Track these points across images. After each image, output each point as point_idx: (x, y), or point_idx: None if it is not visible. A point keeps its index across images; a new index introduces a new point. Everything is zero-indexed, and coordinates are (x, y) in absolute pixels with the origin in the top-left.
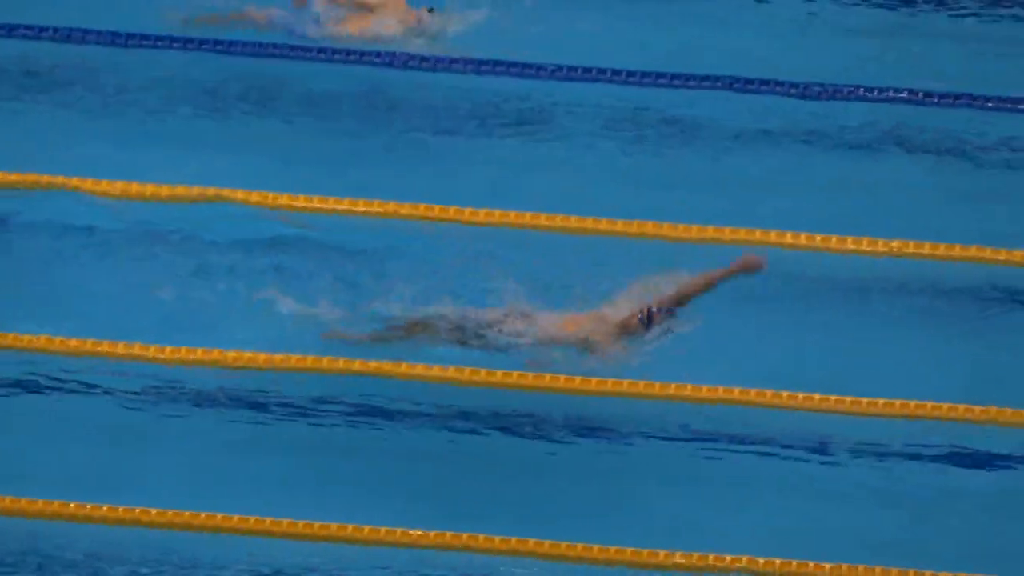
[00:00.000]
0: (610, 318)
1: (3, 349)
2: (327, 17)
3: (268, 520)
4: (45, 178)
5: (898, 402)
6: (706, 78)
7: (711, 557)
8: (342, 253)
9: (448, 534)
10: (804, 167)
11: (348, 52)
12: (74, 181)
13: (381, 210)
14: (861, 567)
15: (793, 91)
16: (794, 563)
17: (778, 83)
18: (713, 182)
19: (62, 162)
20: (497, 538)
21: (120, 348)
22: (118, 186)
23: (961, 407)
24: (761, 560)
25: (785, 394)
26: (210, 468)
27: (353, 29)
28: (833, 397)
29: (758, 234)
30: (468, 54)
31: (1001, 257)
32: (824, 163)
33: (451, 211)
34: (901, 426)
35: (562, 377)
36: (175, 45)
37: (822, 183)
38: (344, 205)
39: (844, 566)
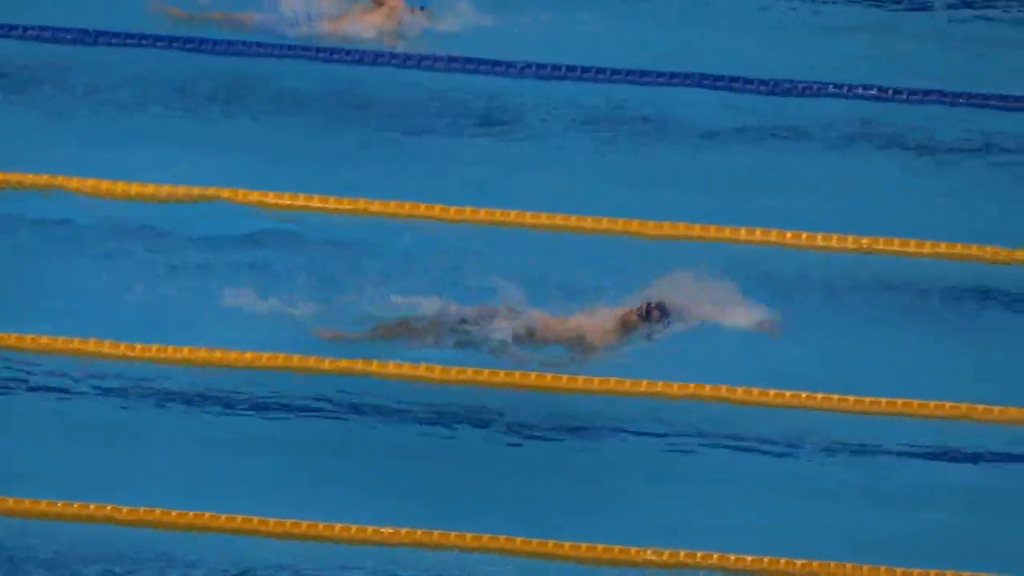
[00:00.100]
0: (600, 317)
1: None
2: (311, 16)
3: (239, 518)
4: (15, 176)
5: (884, 400)
6: (675, 75)
7: (699, 555)
8: (322, 250)
9: (419, 531)
10: (781, 164)
11: (319, 50)
12: (44, 179)
13: (365, 207)
14: (849, 565)
15: (763, 88)
16: (782, 561)
17: (748, 80)
18: (689, 179)
19: (34, 161)
20: (469, 535)
21: (91, 346)
22: (89, 184)
23: (947, 404)
24: (749, 558)
25: (771, 392)
26: (183, 467)
27: (332, 28)
28: (819, 395)
29: (743, 232)
30: (445, 53)
31: (971, 253)
32: (799, 160)
33: (436, 209)
34: (888, 423)
35: (549, 376)
36: (144, 43)
37: (799, 180)
38: (330, 203)
39: (832, 564)
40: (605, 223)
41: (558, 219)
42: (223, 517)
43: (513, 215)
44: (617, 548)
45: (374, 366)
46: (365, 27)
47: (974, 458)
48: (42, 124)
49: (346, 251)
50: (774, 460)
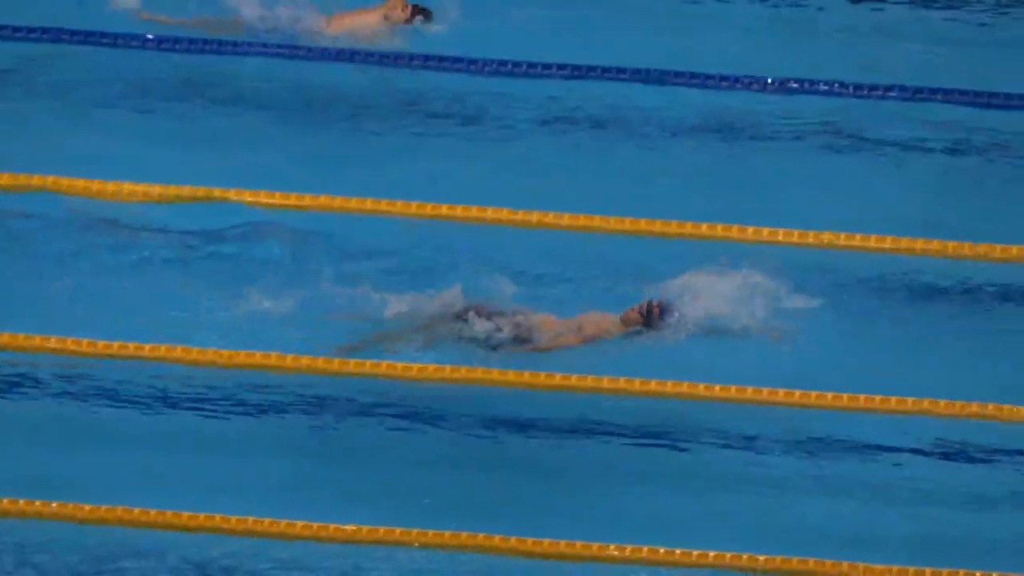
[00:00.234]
0: (600, 316)
1: None
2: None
3: (202, 516)
4: None
5: (878, 397)
6: (639, 72)
7: (695, 553)
8: (314, 248)
9: (381, 529)
10: (761, 162)
11: (280, 47)
12: (22, 178)
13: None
14: (845, 564)
15: (723, 83)
16: (778, 559)
17: (708, 76)
18: (689, 179)
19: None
20: (466, 534)
21: (69, 344)
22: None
23: (942, 402)
24: (761, 557)
25: (765, 390)
26: (183, 467)
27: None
28: (813, 393)
29: (735, 230)
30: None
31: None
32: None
33: (428, 208)
34: (897, 422)
35: (549, 375)
36: (104, 41)
37: (796, 179)
38: (320, 201)
39: (828, 562)
40: (608, 222)
41: (560, 218)
42: (184, 515)
43: (520, 214)
44: (613, 547)
45: (367, 366)
46: (359, 27)
47: (973, 455)
48: (9, 120)
49: (342, 251)
50: (774, 460)
